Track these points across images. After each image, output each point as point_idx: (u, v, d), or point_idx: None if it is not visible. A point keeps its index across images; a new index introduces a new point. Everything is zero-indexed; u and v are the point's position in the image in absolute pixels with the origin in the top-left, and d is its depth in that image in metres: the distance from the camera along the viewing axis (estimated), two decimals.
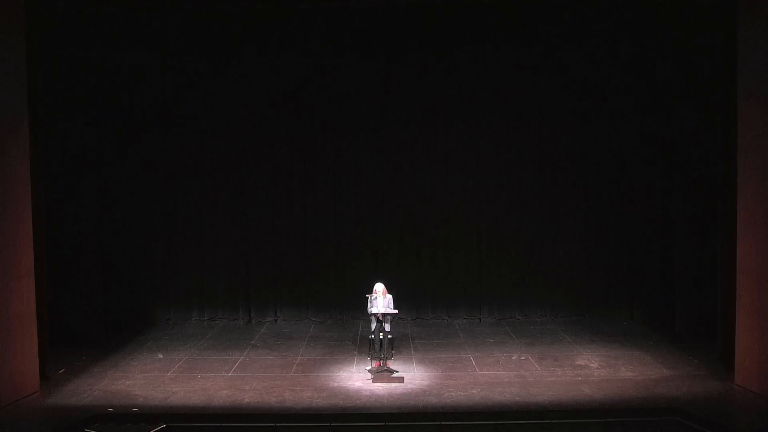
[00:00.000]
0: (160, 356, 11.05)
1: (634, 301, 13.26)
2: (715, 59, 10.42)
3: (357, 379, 9.78)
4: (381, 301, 9.94)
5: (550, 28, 11.98)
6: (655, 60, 12.24)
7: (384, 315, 9.90)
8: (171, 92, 13.05)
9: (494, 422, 8.04)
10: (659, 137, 12.42)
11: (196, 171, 13.25)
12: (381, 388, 9.36)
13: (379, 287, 10.07)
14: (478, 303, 13.45)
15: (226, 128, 13.19)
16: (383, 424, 8.08)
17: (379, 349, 9.89)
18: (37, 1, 9.69)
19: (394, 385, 9.45)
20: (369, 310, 10.04)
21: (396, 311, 10.16)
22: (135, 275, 13.20)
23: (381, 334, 9.85)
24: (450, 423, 8.10)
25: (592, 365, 10.30)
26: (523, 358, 10.70)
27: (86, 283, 11.85)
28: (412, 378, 9.74)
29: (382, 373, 9.72)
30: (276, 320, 13.43)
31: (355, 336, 12.26)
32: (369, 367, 10.03)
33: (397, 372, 9.86)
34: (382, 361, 9.88)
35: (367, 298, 10.04)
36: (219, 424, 8.23)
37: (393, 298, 10.14)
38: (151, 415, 8.40)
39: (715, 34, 10.37)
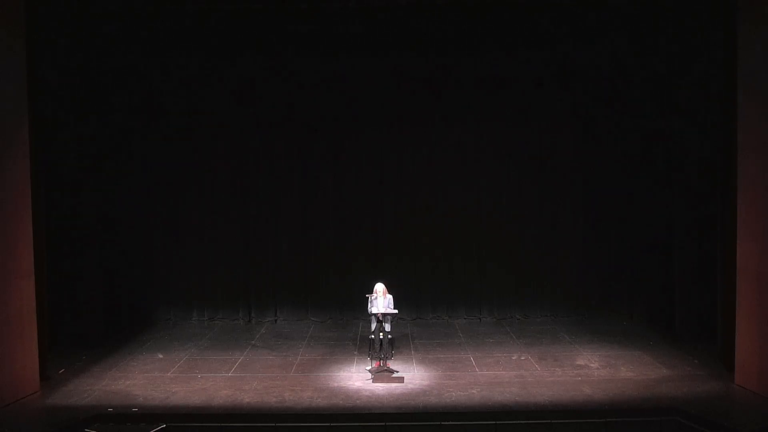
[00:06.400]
0: (160, 356, 11.05)
1: (634, 301, 13.25)
2: (715, 59, 10.42)
3: (357, 379, 9.78)
4: (381, 301, 9.94)
5: (549, 29, 11.98)
6: (654, 60, 12.23)
7: (384, 315, 9.90)
8: (171, 92, 13.06)
9: (494, 422, 8.03)
10: (659, 137, 12.42)
11: (197, 171, 13.26)
12: (381, 388, 9.36)
13: (379, 287, 10.07)
14: (478, 303, 13.46)
15: (226, 128, 13.20)
16: (383, 424, 8.06)
17: (379, 349, 9.89)
18: (37, 2, 9.69)
19: (394, 385, 9.45)
20: (369, 310, 10.04)
21: (396, 311, 10.16)
22: (135, 275, 13.21)
23: (381, 334, 9.86)
24: (450, 423, 8.09)
25: (592, 365, 10.30)
26: (523, 358, 10.70)
27: (86, 283, 11.82)
28: (412, 378, 9.74)
29: (382, 373, 9.72)
30: (276, 320, 13.43)
31: (355, 336, 12.26)
32: (369, 367, 10.03)
33: (397, 372, 9.86)
34: (382, 361, 9.88)
35: (367, 298, 10.04)
36: (219, 424, 8.22)
37: (393, 298, 10.14)
38: (151, 415, 8.40)
39: (715, 34, 10.37)
